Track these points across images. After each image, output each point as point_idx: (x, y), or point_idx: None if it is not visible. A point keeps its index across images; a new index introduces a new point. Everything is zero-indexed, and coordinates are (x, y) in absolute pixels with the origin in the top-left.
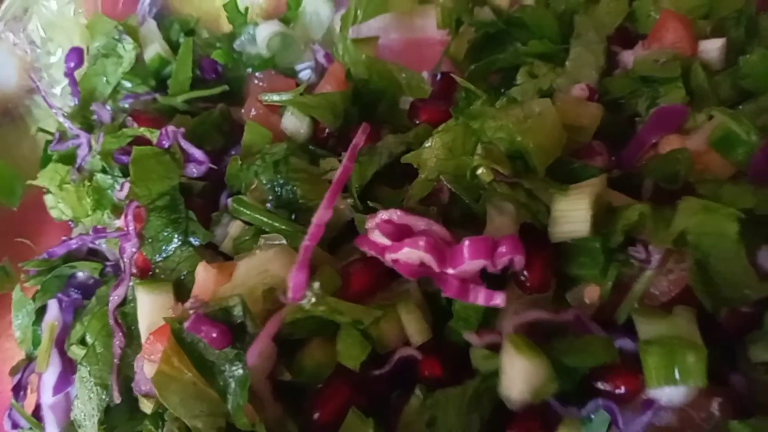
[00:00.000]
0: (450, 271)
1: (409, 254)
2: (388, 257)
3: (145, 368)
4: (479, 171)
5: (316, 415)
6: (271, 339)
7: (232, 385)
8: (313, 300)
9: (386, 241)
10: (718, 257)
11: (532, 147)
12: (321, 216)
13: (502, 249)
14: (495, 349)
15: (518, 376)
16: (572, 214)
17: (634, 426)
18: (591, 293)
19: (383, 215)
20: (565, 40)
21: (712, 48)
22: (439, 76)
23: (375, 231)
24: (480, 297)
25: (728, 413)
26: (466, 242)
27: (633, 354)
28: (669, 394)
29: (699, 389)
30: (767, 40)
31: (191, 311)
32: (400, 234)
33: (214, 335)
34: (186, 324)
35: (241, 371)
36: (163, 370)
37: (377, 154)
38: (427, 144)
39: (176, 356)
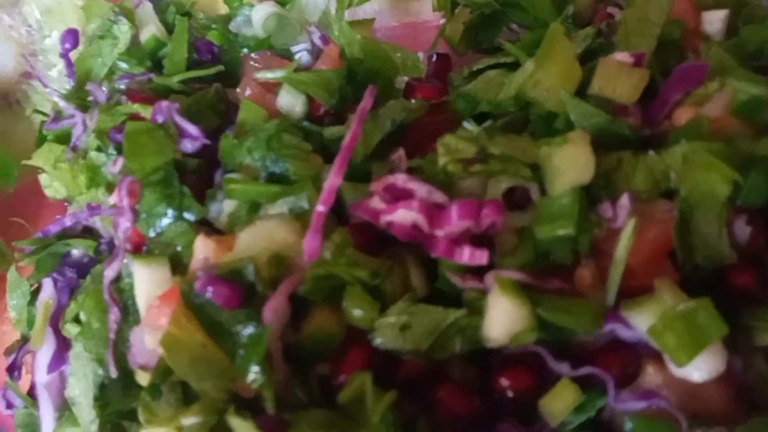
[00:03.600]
0: (439, 232)
1: (404, 216)
2: (383, 220)
3: (146, 338)
4: (448, 167)
5: (340, 378)
6: (287, 297)
7: (243, 344)
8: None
9: (383, 205)
10: (702, 216)
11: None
12: (332, 182)
13: (486, 211)
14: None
15: (499, 316)
16: (575, 161)
17: (627, 405)
18: (582, 274)
19: (389, 179)
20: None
21: (715, 19)
22: (434, 58)
23: (374, 197)
24: (465, 255)
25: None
26: (455, 205)
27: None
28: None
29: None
30: (757, 12)
31: (201, 273)
32: (396, 199)
33: (227, 294)
34: (197, 284)
35: (253, 329)
36: (172, 333)
37: (380, 120)
38: None
39: (185, 318)
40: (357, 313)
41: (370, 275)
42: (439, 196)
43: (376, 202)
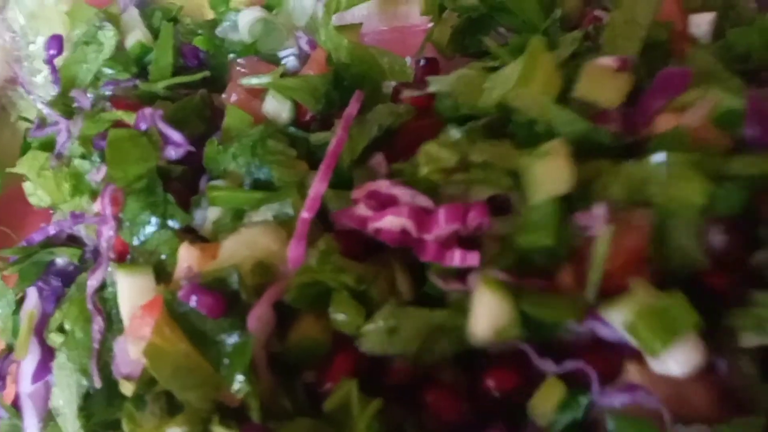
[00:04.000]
0: (427, 236)
1: (392, 222)
2: (371, 227)
3: (130, 348)
4: (430, 177)
5: (326, 386)
6: (271, 305)
7: (228, 354)
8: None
9: (369, 213)
10: (676, 224)
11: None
12: (317, 189)
13: (473, 213)
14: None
15: (484, 312)
16: (553, 173)
17: (609, 399)
18: (562, 280)
19: (372, 186)
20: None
21: (702, 22)
22: (422, 62)
23: (360, 204)
24: (456, 257)
25: (714, 407)
26: (442, 209)
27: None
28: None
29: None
30: (744, 15)
31: (184, 281)
32: (383, 206)
33: (210, 303)
34: (180, 293)
35: (237, 338)
36: (155, 342)
37: (367, 126)
38: None
39: (168, 328)
40: (343, 318)
41: (356, 281)
42: (423, 200)
43: (362, 210)
